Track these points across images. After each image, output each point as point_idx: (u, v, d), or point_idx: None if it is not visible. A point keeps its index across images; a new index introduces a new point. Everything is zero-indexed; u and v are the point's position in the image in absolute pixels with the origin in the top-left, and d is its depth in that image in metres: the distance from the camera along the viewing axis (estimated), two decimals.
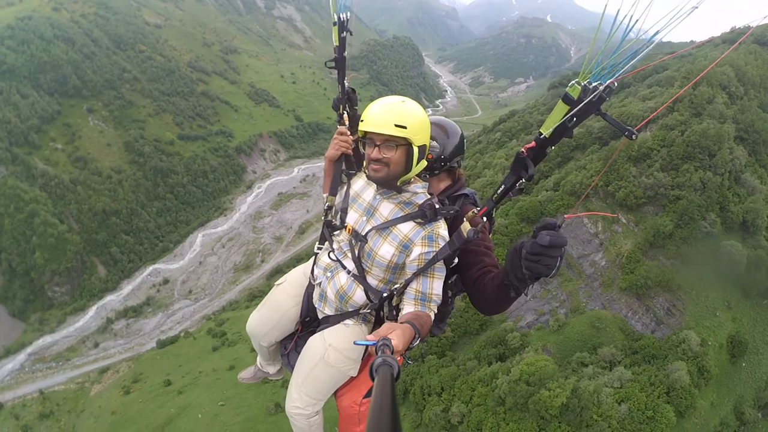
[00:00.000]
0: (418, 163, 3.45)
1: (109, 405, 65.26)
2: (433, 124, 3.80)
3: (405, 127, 3.24)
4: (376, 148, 3.36)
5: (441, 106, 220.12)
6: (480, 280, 3.39)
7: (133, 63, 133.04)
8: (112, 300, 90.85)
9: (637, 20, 2.20)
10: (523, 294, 3.02)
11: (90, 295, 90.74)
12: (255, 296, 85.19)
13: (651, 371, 39.87)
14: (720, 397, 40.30)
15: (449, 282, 3.80)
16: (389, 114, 3.28)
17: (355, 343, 2.44)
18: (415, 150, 3.34)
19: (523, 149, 2.84)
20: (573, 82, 2.54)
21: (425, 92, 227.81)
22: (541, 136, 2.75)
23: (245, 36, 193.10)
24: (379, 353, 2.10)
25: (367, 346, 2.34)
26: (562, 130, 2.68)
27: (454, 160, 4.02)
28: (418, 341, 2.86)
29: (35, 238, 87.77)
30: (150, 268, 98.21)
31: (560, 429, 36.50)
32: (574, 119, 2.62)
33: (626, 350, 43.16)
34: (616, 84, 2.53)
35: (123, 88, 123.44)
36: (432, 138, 3.74)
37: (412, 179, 3.59)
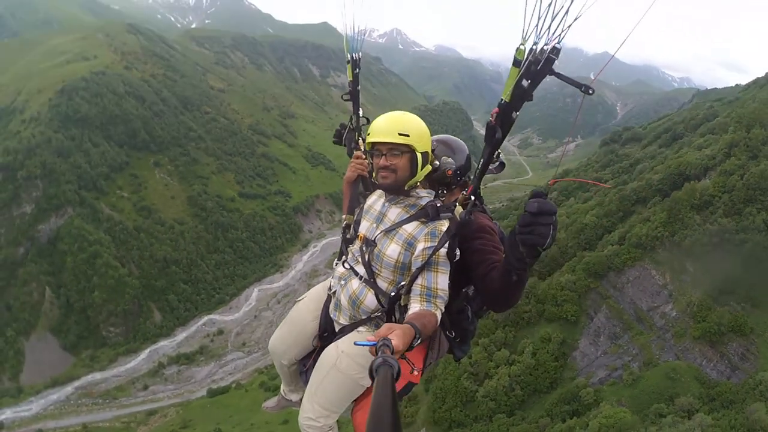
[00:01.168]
0: (422, 168, 3.66)
1: None
2: (439, 142, 4.13)
3: (408, 135, 3.51)
4: (383, 157, 3.59)
5: (491, 168, 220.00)
6: (489, 275, 3.45)
7: (199, 123, 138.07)
8: (165, 345, 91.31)
9: None
10: (526, 277, 3.08)
11: (144, 338, 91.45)
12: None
13: (730, 415, 38.22)
14: None
15: (467, 293, 3.91)
16: (393, 124, 3.54)
17: (354, 344, 2.47)
18: (419, 156, 3.58)
19: (491, 117, 2.99)
20: (519, 45, 2.63)
21: (475, 155, 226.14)
22: (502, 102, 2.89)
23: (302, 102, 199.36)
24: (379, 353, 2.16)
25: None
26: (522, 94, 2.79)
27: (467, 174, 4.21)
28: (419, 341, 2.84)
29: (95, 278, 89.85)
30: (205, 318, 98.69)
31: None
32: (529, 81, 2.73)
33: (703, 398, 41.80)
34: (561, 43, 2.59)
35: (189, 146, 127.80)
36: (445, 155, 4.05)
37: (419, 186, 3.80)
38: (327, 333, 4.24)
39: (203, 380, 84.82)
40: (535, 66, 2.64)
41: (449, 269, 3.51)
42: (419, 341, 2.81)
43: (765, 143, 55.74)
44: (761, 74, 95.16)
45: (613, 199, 64.35)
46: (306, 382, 4.41)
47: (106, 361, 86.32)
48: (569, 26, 2.48)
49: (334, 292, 4.04)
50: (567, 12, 2.41)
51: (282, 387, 5.04)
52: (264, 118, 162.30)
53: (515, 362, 50.81)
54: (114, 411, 76.70)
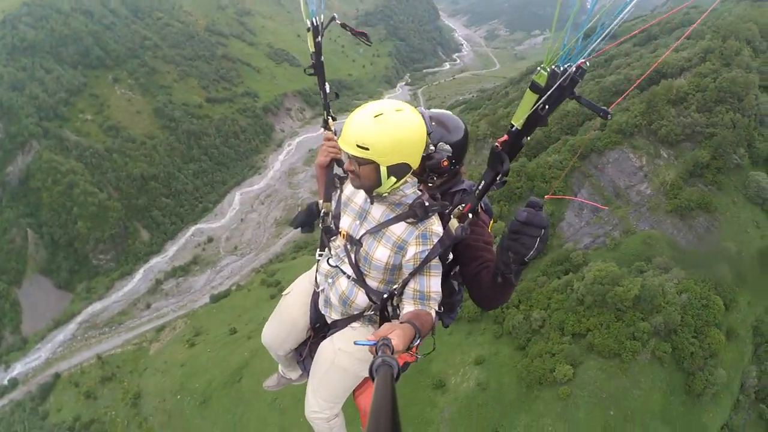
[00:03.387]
0: (389, 180, 3.27)
1: (175, 359, 66.06)
2: (434, 120, 3.70)
3: (367, 149, 3.09)
4: (349, 160, 3.32)
5: (458, 60, 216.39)
6: (479, 275, 3.41)
7: (152, 30, 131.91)
8: (159, 262, 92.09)
9: None
10: (514, 283, 3.06)
11: (135, 259, 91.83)
12: (300, 247, 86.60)
13: (700, 273, 47.00)
14: (755, 299, 47.23)
15: (453, 273, 3.79)
16: (355, 132, 3.11)
17: (355, 343, 2.41)
18: (383, 169, 3.18)
19: (497, 143, 2.76)
20: (539, 68, 2.43)
21: (442, 46, 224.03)
22: (513, 129, 2.67)
23: None
24: (379, 353, 2.15)
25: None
26: (535, 120, 2.59)
27: (462, 159, 3.86)
28: (419, 341, 2.80)
29: (76, 209, 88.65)
30: (192, 229, 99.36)
31: (635, 316, 43.96)
32: (546, 107, 2.52)
33: (676, 259, 50.35)
34: (588, 64, 2.43)
35: (146, 56, 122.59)
36: (441, 137, 3.65)
37: (405, 180, 3.43)
38: (319, 324, 4.27)
39: (203, 288, 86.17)
40: (555, 90, 2.45)
41: (441, 271, 3.45)
42: (419, 341, 2.81)
43: (738, 54, 62.76)
44: None
45: (593, 90, 69.82)
46: (305, 370, 4.60)
47: (102, 289, 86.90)
48: (604, 48, 2.36)
49: (323, 290, 3.98)
50: (603, 31, 2.27)
51: (279, 368, 5.13)
52: (219, 17, 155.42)
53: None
54: (123, 335, 77.72)
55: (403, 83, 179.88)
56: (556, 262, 55.07)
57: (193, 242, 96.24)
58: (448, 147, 3.51)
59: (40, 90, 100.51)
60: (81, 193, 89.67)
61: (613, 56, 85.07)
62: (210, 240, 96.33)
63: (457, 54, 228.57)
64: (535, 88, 2.45)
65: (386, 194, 3.41)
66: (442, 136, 3.64)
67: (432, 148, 3.37)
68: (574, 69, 2.40)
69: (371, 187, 3.35)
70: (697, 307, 44.27)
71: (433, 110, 3.83)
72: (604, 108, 2.51)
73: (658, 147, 59.60)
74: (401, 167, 3.21)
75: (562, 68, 2.40)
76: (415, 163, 3.25)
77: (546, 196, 3.04)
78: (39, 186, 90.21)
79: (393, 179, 3.26)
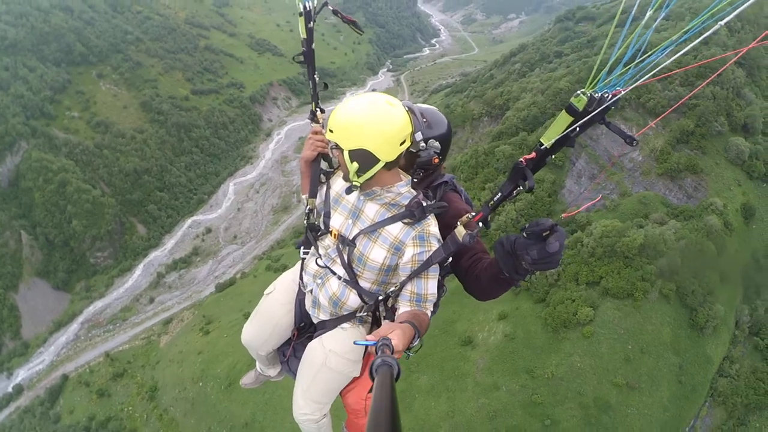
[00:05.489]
0: (352, 166, 3.22)
1: (190, 348, 65.38)
2: (418, 114, 3.59)
3: (332, 131, 3.19)
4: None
5: (437, 46, 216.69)
6: (472, 269, 3.40)
7: (133, 24, 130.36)
8: (158, 256, 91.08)
9: (657, 20, 2.37)
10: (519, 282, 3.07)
11: (134, 254, 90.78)
12: (300, 233, 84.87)
13: (693, 223, 52.50)
14: (741, 246, 52.95)
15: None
16: (331, 116, 3.23)
17: (355, 343, 2.48)
18: (345, 153, 3.18)
19: (522, 159, 2.79)
20: (579, 92, 2.52)
21: (421, 32, 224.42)
22: (542, 147, 2.72)
23: None
24: (379, 353, 2.15)
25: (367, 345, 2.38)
26: (564, 140, 2.66)
27: (446, 153, 3.83)
28: (418, 341, 2.85)
29: (70, 207, 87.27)
30: (189, 221, 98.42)
31: (642, 261, 48.78)
32: (578, 129, 2.59)
33: (670, 215, 55.81)
34: (623, 93, 2.54)
35: (129, 50, 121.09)
36: (426, 132, 3.55)
37: (399, 177, 3.49)
38: (304, 324, 4.23)
39: (206, 279, 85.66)
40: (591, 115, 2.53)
41: (438, 273, 3.47)
42: (418, 341, 2.86)
43: (715, 33, 65.82)
44: None
45: (582, 68, 75.25)
46: (288, 370, 4.62)
47: (102, 287, 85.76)
48: (650, 79, 2.48)
49: (311, 291, 3.94)
50: (646, 57, 2.43)
51: (258, 365, 5.05)
52: (198, 9, 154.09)
53: (517, 200, 60.85)
54: (129, 331, 76.75)
55: (385, 69, 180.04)
56: (562, 225, 56.28)
57: (191, 234, 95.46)
58: (437, 144, 3.42)
59: (24, 89, 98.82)
60: (74, 190, 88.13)
61: (596, 37, 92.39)
62: (208, 231, 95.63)
63: (435, 39, 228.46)
64: (572, 111, 2.55)
65: (380, 192, 3.43)
66: (426, 132, 3.56)
67: (423, 145, 3.33)
68: (612, 98, 2.53)
69: (346, 175, 3.33)
70: (694, 251, 49.24)
71: (417, 105, 3.74)
72: (631, 135, 2.60)
73: (647, 118, 63.54)
74: (362, 153, 3.15)
75: (599, 95, 2.51)
76: (381, 154, 3.17)
77: (563, 215, 3.22)
78: (30, 186, 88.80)
79: (356, 165, 3.19)
